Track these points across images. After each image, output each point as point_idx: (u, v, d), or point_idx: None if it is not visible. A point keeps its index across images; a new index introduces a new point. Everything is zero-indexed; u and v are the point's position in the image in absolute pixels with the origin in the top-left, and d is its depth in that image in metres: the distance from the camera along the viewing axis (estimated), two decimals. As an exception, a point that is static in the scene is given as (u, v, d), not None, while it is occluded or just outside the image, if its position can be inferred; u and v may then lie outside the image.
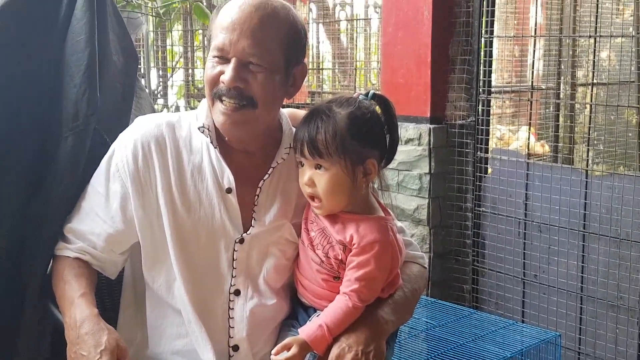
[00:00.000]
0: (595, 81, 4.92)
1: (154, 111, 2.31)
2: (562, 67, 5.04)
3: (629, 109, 4.67)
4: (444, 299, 3.12)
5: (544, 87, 5.08)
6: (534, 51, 4.46)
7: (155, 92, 5.01)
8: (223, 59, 1.69)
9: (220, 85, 1.69)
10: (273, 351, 1.63)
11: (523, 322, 2.96)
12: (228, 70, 1.67)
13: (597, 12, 3.73)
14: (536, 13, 4.72)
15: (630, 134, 4.92)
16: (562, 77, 5.10)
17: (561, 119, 4.93)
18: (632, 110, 4.75)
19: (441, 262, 3.26)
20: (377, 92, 1.80)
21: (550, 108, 4.85)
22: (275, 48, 1.71)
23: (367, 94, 1.78)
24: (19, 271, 1.86)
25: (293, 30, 1.76)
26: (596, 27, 3.61)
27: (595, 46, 3.90)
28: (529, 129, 3.82)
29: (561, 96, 5.02)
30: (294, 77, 1.80)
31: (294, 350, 1.60)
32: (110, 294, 1.96)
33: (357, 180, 1.73)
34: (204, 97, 1.83)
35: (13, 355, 1.86)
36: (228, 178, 1.77)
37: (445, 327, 2.76)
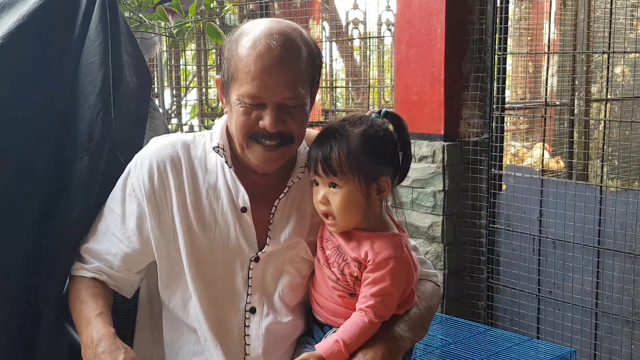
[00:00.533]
0: (609, 97, 4.93)
1: (168, 131, 2.32)
2: (576, 83, 5.03)
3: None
4: (459, 316, 3.12)
5: (558, 103, 5.08)
6: (548, 67, 4.46)
7: (169, 111, 5.03)
8: (258, 105, 1.69)
9: (257, 129, 1.69)
10: None
11: (538, 338, 2.96)
12: (267, 116, 1.67)
13: (610, 28, 3.74)
14: (549, 29, 4.73)
15: None
16: (576, 93, 5.10)
17: (575, 134, 4.93)
18: None
19: (456, 279, 3.26)
20: (389, 110, 1.80)
21: (565, 124, 4.85)
22: (304, 83, 1.72)
23: (379, 112, 1.79)
24: (35, 292, 1.87)
25: (314, 56, 1.77)
26: (610, 43, 3.62)
27: (609, 62, 3.91)
28: (543, 145, 3.80)
29: (575, 112, 5.00)
30: (313, 97, 1.81)
31: None
32: (126, 313, 1.96)
33: (371, 197, 1.73)
34: (218, 116, 1.84)
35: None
36: (243, 197, 1.78)
37: (460, 344, 2.76)
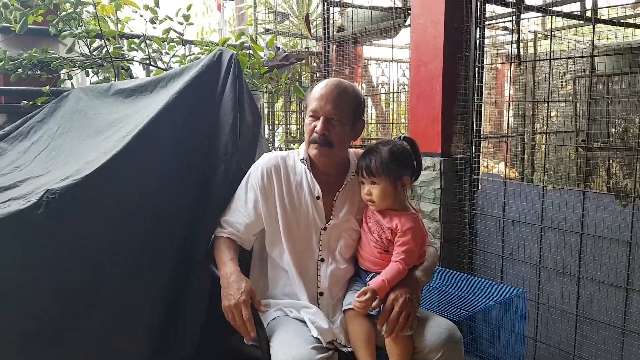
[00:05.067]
0: (547, 130, 4.88)
1: (269, 150, 2.37)
2: (526, 121, 4.95)
3: (570, 149, 4.65)
4: (450, 268, 3.13)
5: (514, 135, 5.00)
6: (508, 111, 4.41)
7: (268, 138, 5.08)
8: (315, 117, 1.75)
9: (314, 134, 1.74)
10: (355, 295, 1.68)
11: (502, 283, 2.91)
12: (319, 124, 1.74)
13: (549, 87, 3.68)
14: (509, 86, 4.66)
15: (570, 165, 4.85)
16: (526, 128, 5.02)
17: (525, 155, 4.85)
18: (571, 150, 4.68)
19: (448, 245, 3.26)
20: (406, 135, 1.83)
21: (518, 148, 4.76)
22: (347, 109, 1.76)
23: (400, 137, 1.82)
24: (191, 246, 1.94)
25: (357, 99, 1.82)
26: (548, 96, 3.55)
27: (547, 108, 3.85)
28: (506, 162, 3.76)
29: (525, 140, 4.92)
30: (357, 128, 1.84)
31: (368, 295, 1.65)
32: (245, 259, 2.00)
33: (397, 189, 1.76)
34: (300, 142, 1.89)
35: (189, 293, 1.94)
36: (317, 190, 1.83)
37: (451, 287, 2.76)
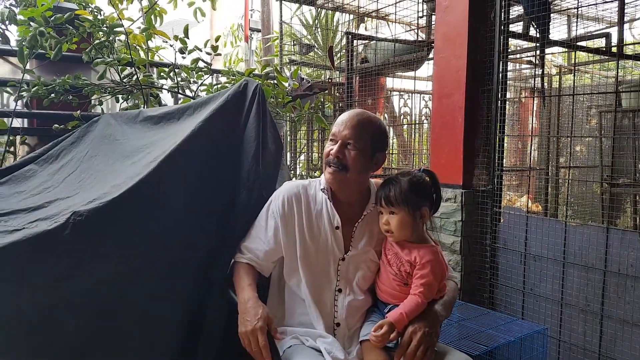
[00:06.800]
0: (571, 165, 4.82)
1: (290, 178, 2.38)
2: (550, 155, 4.90)
3: (594, 184, 4.56)
4: (470, 302, 3.07)
5: (537, 168, 4.94)
6: (531, 144, 4.38)
7: (290, 166, 5.12)
8: (334, 141, 1.77)
9: (330, 157, 1.77)
10: (372, 329, 1.64)
11: (522, 319, 2.84)
12: (335, 147, 1.75)
13: (572, 121, 3.64)
14: (532, 119, 4.63)
15: (595, 200, 4.77)
16: (550, 162, 4.96)
17: (549, 189, 4.79)
18: (596, 185, 4.61)
19: (469, 278, 3.20)
20: (426, 168, 1.83)
21: (542, 182, 4.70)
22: (365, 137, 1.77)
23: (420, 169, 1.81)
24: (212, 271, 1.94)
25: (379, 130, 1.82)
26: (572, 130, 3.52)
27: (571, 143, 3.80)
28: (528, 195, 3.71)
29: (549, 174, 4.86)
30: (377, 159, 1.83)
31: (385, 328, 1.61)
32: (263, 286, 1.99)
33: (416, 220, 1.74)
34: (321, 169, 1.90)
35: (206, 319, 1.94)
36: (337, 220, 1.82)
37: (470, 321, 2.71)
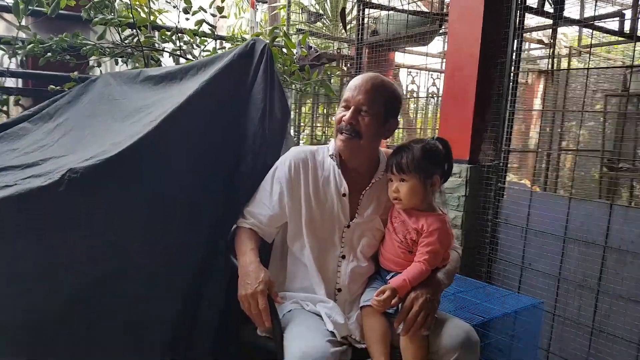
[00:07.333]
0: (576, 148, 4.85)
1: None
2: (553, 137, 4.89)
3: (594, 168, 4.66)
4: (469, 276, 3.08)
5: (540, 150, 4.93)
6: (541, 123, 4.36)
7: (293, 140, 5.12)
8: (347, 107, 1.73)
9: (342, 123, 1.72)
10: (375, 294, 1.64)
11: (519, 292, 2.88)
12: (348, 113, 1.71)
13: (583, 99, 3.62)
14: (540, 102, 4.58)
15: (593, 185, 4.81)
16: (552, 144, 4.95)
17: (549, 172, 4.80)
18: (596, 169, 4.65)
19: (468, 253, 3.22)
20: (439, 137, 1.79)
21: (542, 164, 4.69)
22: (379, 102, 1.72)
23: (433, 138, 1.78)
24: (215, 234, 1.91)
25: (392, 95, 1.78)
26: (583, 106, 3.46)
27: (581, 121, 3.80)
28: (533, 176, 3.70)
29: (551, 156, 4.85)
30: (390, 125, 1.80)
31: (387, 293, 1.61)
32: (265, 252, 1.97)
33: (427, 188, 1.72)
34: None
35: (207, 284, 1.91)
36: (345, 187, 1.80)
37: (466, 293, 2.72)
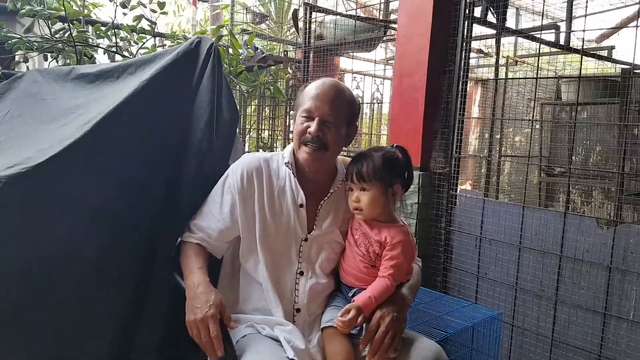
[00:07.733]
0: (513, 154, 4.97)
1: (244, 152, 2.19)
2: (493, 144, 5.00)
3: (532, 173, 4.83)
4: (424, 286, 3.00)
5: (481, 157, 5.02)
6: (491, 129, 4.43)
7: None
8: (309, 118, 1.60)
9: (306, 135, 1.59)
10: (338, 314, 1.54)
11: (476, 303, 2.80)
12: (313, 125, 1.59)
13: (534, 105, 3.66)
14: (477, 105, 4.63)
15: (531, 189, 4.96)
16: (492, 150, 5.05)
17: (490, 178, 4.91)
18: (534, 174, 4.79)
19: (423, 261, 3.11)
20: (398, 145, 1.72)
21: (482, 170, 4.77)
22: (343, 112, 1.63)
23: (392, 145, 1.71)
24: (156, 250, 1.73)
25: (352, 102, 1.69)
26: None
27: (532, 130, 3.85)
28: (481, 181, 3.71)
29: (491, 162, 4.96)
30: (350, 131, 1.70)
31: (352, 312, 1.50)
32: (212, 270, 1.82)
33: (388, 197, 1.64)
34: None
35: (146, 303, 1.72)
36: (301, 197, 1.68)
37: (425, 305, 2.65)
